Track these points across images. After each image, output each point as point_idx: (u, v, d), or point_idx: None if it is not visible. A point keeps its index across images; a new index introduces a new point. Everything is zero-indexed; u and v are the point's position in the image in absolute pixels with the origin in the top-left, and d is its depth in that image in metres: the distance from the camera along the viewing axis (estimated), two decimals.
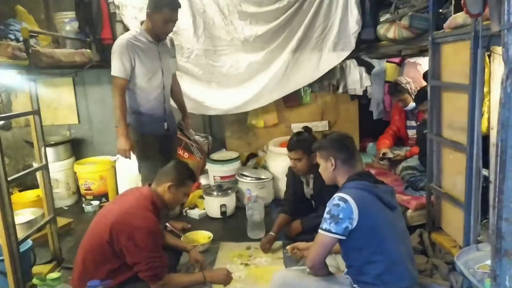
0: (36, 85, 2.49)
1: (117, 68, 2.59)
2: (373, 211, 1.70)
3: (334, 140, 1.91)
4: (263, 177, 3.54)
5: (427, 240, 2.53)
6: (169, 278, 1.96)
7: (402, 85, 3.42)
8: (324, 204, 1.80)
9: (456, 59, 2.32)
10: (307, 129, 2.67)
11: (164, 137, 2.87)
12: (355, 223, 1.65)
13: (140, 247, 1.84)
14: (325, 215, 1.70)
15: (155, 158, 2.79)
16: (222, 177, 3.66)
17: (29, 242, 2.43)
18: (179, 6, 2.61)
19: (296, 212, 2.80)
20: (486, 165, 2.21)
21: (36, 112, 2.48)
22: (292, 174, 2.80)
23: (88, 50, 3.28)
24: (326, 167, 1.90)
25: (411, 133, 3.54)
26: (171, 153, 2.96)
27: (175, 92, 3.04)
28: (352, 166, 1.87)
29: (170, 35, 2.83)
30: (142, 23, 2.69)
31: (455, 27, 2.21)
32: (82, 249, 1.97)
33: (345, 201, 1.66)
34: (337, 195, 1.71)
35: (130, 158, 2.74)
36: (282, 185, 3.61)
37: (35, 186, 3.84)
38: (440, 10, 2.44)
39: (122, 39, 2.63)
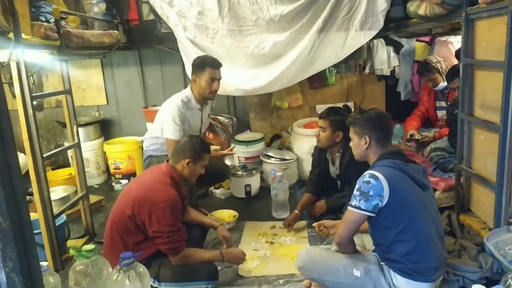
0: (67, 65, 2.55)
1: (171, 132, 2.67)
2: (403, 189, 1.68)
3: (371, 118, 1.85)
4: (287, 158, 3.55)
5: (455, 221, 2.49)
6: (188, 252, 2.03)
7: (432, 64, 3.32)
8: (350, 184, 1.79)
9: (491, 35, 2.23)
10: (346, 107, 2.69)
11: None
12: (385, 201, 1.64)
13: (161, 221, 1.91)
14: (355, 192, 1.69)
15: None
16: (246, 158, 3.68)
17: (63, 217, 2.54)
18: (220, 65, 2.76)
19: (321, 192, 2.81)
20: None
21: (68, 92, 2.56)
22: (317, 153, 2.80)
23: (116, 31, 3.34)
24: (359, 144, 1.87)
25: (440, 114, 3.45)
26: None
27: None
28: (385, 145, 1.84)
29: None
30: (191, 87, 2.81)
31: (491, 1, 2.12)
32: (109, 224, 2.07)
33: (376, 178, 1.65)
34: (367, 172, 1.70)
35: None
36: (306, 166, 3.62)
37: (66, 165, 3.99)
38: None
39: (175, 108, 2.69)
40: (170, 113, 2.70)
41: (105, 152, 3.95)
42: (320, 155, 2.77)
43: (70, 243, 2.61)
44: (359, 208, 1.66)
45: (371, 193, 1.64)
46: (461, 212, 2.58)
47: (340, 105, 2.89)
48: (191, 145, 2.15)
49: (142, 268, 1.74)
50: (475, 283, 1.96)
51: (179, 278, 2.01)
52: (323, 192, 2.82)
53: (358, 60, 3.87)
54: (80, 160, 2.67)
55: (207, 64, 2.70)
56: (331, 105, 3.84)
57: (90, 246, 1.80)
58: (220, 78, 2.79)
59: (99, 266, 1.79)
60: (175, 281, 2.01)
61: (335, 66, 3.81)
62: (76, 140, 2.62)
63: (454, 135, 2.73)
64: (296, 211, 2.73)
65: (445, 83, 3.27)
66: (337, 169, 2.66)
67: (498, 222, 2.16)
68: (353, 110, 4.02)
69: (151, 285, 1.95)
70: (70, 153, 3.09)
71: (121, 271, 1.68)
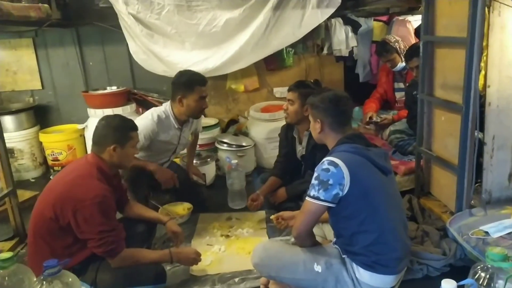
0: None
1: None
2: (365, 176, 1.54)
3: (324, 100, 1.71)
4: (244, 144, 3.37)
5: (416, 206, 2.42)
6: (130, 253, 1.78)
7: (391, 44, 3.22)
8: (312, 169, 1.65)
9: (452, 10, 2.13)
10: (317, 81, 2.53)
11: None
12: (346, 190, 1.49)
13: (89, 221, 1.65)
14: (313, 181, 1.53)
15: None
16: (200, 145, 3.44)
17: None
18: (207, 80, 2.58)
19: (285, 174, 2.66)
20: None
21: None
22: (285, 132, 2.67)
23: (46, 5, 2.94)
24: (314, 127, 1.74)
25: (399, 95, 3.39)
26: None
27: (189, 147, 2.99)
28: (342, 130, 1.70)
29: None
30: (172, 106, 2.53)
31: None
32: (30, 228, 1.78)
33: (336, 165, 1.50)
34: (326, 159, 1.54)
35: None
36: (264, 153, 3.47)
37: None
38: None
39: (150, 121, 2.46)
40: (142, 125, 2.32)
41: (41, 142, 3.56)
42: (287, 133, 2.63)
43: None
44: (317, 198, 1.51)
45: (330, 181, 1.49)
46: (421, 196, 2.52)
47: None
48: (112, 127, 1.83)
49: (71, 278, 1.48)
50: (438, 270, 1.89)
51: (121, 282, 1.76)
52: (288, 174, 2.66)
53: (316, 40, 3.74)
54: (3, 152, 2.31)
55: (197, 83, 2.46)
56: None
57: (7, 254, 1.50)
58: (207, 95, 2.61)
59: (19, 277, 1.51)
60: (115, 286, 1.76)
61: (292, 46, 3.66)
62: None
63: (414, 117, 2.66)
64: (258, 192, 2.61)
65: (403, 64, 3.19)
66: (303, 149, 2.51)
67: (460, 205, 2.10)
68: None
69: None
70: None
71: (44, 282, 1.42)
